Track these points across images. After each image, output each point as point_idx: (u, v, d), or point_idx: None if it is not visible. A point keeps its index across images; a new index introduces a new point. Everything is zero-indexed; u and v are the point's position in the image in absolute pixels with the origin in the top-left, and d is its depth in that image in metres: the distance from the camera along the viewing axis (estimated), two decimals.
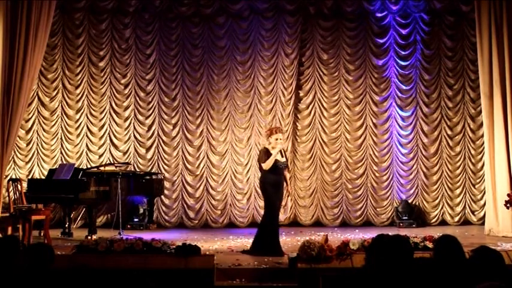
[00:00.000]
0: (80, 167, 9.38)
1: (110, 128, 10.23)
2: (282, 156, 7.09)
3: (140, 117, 10.27)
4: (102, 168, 9.04)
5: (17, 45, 7.71)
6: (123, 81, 10.26)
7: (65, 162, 9.69)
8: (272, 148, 7.01)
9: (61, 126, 10.15)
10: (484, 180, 9.38)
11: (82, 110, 10.18)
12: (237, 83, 10.33)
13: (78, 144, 10.16)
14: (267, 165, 6.92)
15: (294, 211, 10.22)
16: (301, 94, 10.37)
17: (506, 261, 3.51)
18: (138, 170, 10.07)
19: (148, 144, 10.26)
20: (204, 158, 10.26)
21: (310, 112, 10.34)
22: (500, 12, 8.62)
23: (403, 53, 10.28)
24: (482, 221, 9.44)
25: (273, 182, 6.98)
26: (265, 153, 7.02)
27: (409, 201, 10.08)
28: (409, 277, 3.17)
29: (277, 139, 7.01)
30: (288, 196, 8.54)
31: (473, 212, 10.10)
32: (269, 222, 6.99)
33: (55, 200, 8.74)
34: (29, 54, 7.77)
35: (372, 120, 10.31)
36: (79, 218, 9.92)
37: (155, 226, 9.84)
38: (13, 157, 9.74)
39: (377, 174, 10.24)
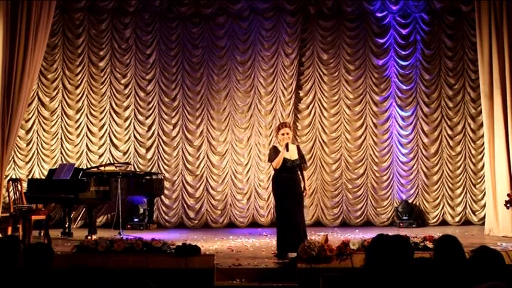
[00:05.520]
0: (80, 167, 9.38)
1: (110, 128, 10.23)
2: (298, 154, 6.75)
3: (140, 117, 10.27)
4: (102, 168, 9.03)
5: (17, 45, 7.70)
6: (123, 81, 10.26)
7: (65, 162, 9.69)
8: (280, 145, 6.70)
9: (61, 126, 10.16)
10: (485, 180, 9.37)
11: (82, 110, 10.18)
12: (237, 83, 10.33)
13: (78, 144, 10.17)
14: (276, 163, 6.61)
15: None
16: (301, 94, 10.37)
17: (506, 261, 3.50)
18: (138, 170, 10.07)
19: (149, 144, 10.26)
20: (204, 158, 10.26)
21: (310, 112, 10.34)
22: (500, 12, 8.61)
23: (403, 52, 10.28)
24: (483, 221, 9.38)
25: (283, 182, 6.64)
26: (274, 151, 6.73)
27: (410, 201, 10.07)
28: (409, 277, 3.16)
29: (283, 134, 6.64)
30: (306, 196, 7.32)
31: (474, 212, 10.09)
32: (281, 223, 6.66)
33: (55, 200, 8.76)
34: (29, 54, 7.77)
35: (372, 120, 10.31)
36: (79, 218, 9.93)
37: (155, 226, 9.84)
38: (13, 157, 9.75)
39: (377, 174, 10.24)
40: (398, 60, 10.30)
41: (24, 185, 8.95)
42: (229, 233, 9.16)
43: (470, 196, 10.12)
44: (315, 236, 7.49)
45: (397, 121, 10.31)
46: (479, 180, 10.05)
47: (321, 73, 10.33)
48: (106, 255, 5.82)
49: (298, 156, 6.75)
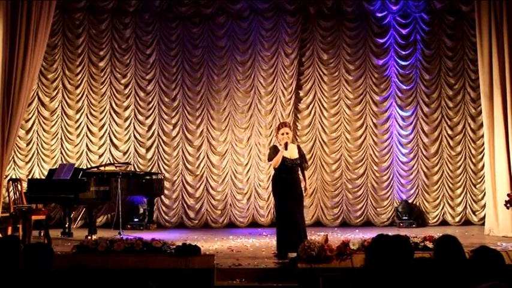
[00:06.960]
0: (80, 167, 9.38)
1: (110, 128, 10.23)
2: (299, 153, 6.73)
3: (140, 117, 10.27)
4: (102, 168, 9.03)
5: (17, 45, 7.70)
6: (123, 81, 10.26)
7: (65, 162, 9.69)
8: (280, 145, 6.68)
9: (61, 126, 10.16)
10: (485, 180, 9.36)
11: (82, 110, 10.19)
12: (237, 83, 10.33)
13: (78, 144, 10.17)
14: (275, 162, 6.60)
15: None
16: (301, 94, 10.37)
17: (506, 261, 3.50)
18: (138, 170, 10.07)
19: (149, 144, 10.26)
20: (204, 158, 10.26)
21: (310, 112, 10.34)
22: (500, 12, 8.61)
23: (403, 52, 10.28)
24: (483, 221, 9.36)
25: (283, 182, 6.62)
26: (274, 151, 6.72)
27: (410, 201, 10.07)
28: (409, 277, 3.16)
29: (283, 134, 6.61)
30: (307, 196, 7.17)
31: (474, 212, 10.09)
32: (281, 223, 6.64)
33: (55, 200, 8.76)
34: (29, 54, 7.76)
35: (372, 120, 10.31)
36: (79, 218, 9.93)
37: (155, 226, 9.84)
38: (13, 157, 9.75)
39: (377, 174, 10.24)
40: (398, 60, 10.30)
41: (24, 185, 8.95)
42: (229, 233, 9.16)
43: (470, 196, 10.12)
44: (315, 236, 7.49)
45: (397, 121, 10.31)
46: (479, 180, 10.05)
47: (321, 73, 10.33)
48: (106, 255, 5.82)
49: (298, 156, 6.72)
